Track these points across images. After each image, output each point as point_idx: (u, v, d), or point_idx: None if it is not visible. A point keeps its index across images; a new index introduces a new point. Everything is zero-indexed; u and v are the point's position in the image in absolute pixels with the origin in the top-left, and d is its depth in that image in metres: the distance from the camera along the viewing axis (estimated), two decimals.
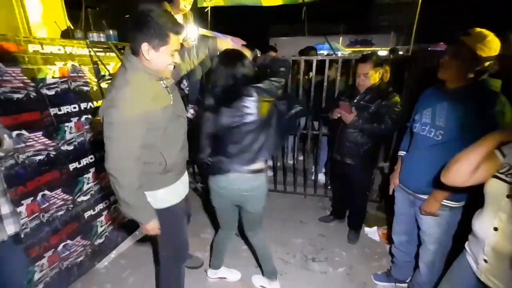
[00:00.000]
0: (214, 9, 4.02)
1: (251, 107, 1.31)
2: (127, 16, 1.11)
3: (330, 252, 2.22)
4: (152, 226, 1.29)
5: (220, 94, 1.35)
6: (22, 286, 1.48)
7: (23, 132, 1.52)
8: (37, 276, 1.67)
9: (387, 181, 1.78)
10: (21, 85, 1.50)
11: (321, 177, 3.22)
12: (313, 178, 3.15)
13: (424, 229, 1.48)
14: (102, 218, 2.08)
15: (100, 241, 2.07)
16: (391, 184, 1.67)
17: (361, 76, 1.94)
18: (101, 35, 2.15)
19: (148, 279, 1.94)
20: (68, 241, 1.83)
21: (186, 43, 2.43)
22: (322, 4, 3.99)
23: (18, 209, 1.52)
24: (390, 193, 1.69)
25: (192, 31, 2.55)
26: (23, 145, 1.52)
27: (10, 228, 1.20)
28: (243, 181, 1.44)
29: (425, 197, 1.39)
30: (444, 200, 1.32)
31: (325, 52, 8.06)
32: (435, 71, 1.34)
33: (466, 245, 1.08)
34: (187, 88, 2.66)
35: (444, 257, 1.50)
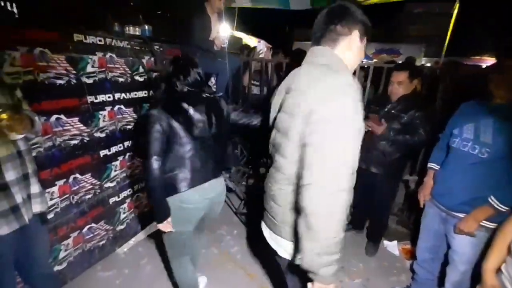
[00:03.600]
0: (240, 10, 4.07)
1: None
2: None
3: (347, 262, 2.17)
4: None
5: None
6: (46, 263, 1.56)
7: (62, 116, 1.60)
8: (62, 254, 1.75)
9: (412, 195, 1.72)
10: (64, 72, 1.58)
11: None
12: None
13: (456, 249, 1.42)
14: (125, 205, 2.15)
15: (121, 227, 2.14)
16: (421, 198, 1.61)
17: (395, 84, 1.89)
18: (137, 28, 2.24)
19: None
20: (93, 224, 1.90)
21: (217, 41, 2.47)
22: None
23: (51, 189, 1.60)
24: (422, 206, 1.63)
25: (225, 30, 2.59)
26: (60, 128, 1.60)
27: (36, 207, 1.27)
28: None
29: (461, 215, 1.33)
30: (483, 221, 1.26)
31: None
32: (469, 84, 1.29)
33: (502, 267, 1.04)
34: (215, 86, 2.71)
35: (471, 278, 1.43)
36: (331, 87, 0.78)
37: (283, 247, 0.99)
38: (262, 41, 4.07)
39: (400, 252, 2.32)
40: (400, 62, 2.01)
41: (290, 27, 14.00)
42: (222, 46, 2.53)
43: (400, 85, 1.88)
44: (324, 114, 0.76)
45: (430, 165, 1.62)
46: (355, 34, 0.89)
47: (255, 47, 3.11)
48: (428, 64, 10.57)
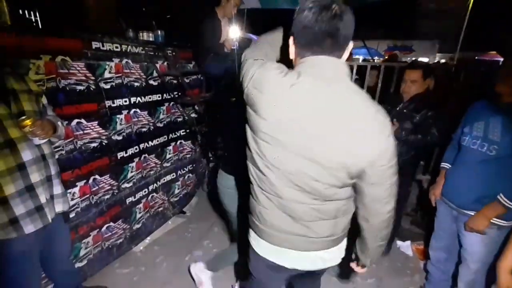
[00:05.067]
0: (248, 10, 4.10)
1: None
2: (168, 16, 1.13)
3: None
4: None
5: None
6: (68, 260, 1.65)
7: (82, 120, 1.68)
8: (82, 252, 1.83)
9: (425, 195, 1.71)
10: (84, 78, 1.66)
11: None
12: None
13: (467, 247, 1.41)
14: (141, 205, 2.23)
15: (137, 226, 2.21)
16: (432, 196, 1.60)
17: (408, 83, 1.86)
18: (150, 34, 2.31)
19: (179, 267, 2.04)
20: (111, 223, 1.98)
21: (227, 44, 2.52)
22: (360, 7, 3.90)
23: (72, 190, 1.68)
24: (433, 205, 1.62)
25: (235, 32, 2.63)
26: (81, 132, 1.68)
27: (59, 207, 1.35)
28: None
29: (472, 213, 1.32)
30: (494, 218, 1.25)
31: (360, 58, 7.82)
32: (484, 81, 1.28)
33: None
34: None
35: (485, 277, 1.41)
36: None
37: (320, 258, 0.97)
38: None
39: (414, 252, 2.29)
40: (414, 59, 1.99)
41: None
42: (232, 48, 2.58)
43: (413, 84, 1.86)
44: None
45: (442, 164, 1.60)
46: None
47: None
48: (443, 60, 10.34)
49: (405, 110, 1.91)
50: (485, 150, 1.28)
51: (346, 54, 0.78)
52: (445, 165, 1.58)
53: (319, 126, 0.74)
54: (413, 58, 10.56)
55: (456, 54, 2.66)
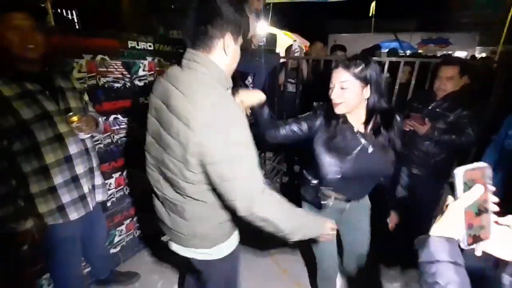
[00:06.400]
0: (274, 5, 4.06)
1: None
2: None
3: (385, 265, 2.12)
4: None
5: None
6: (104, 246, 1.79)
7: (119, 116, 1.79)
8: (116, 239, 1.96)
9: None
10: (120, 76, 1.76)
11: None
12: None
13: None
14: None
15: None
16: None
17: (443, 80, 1.76)
18: (180, 32, 2.38)
19: None
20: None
21: (255, 40, 2.53)
22: None
23: (108, 181, 1.81)
24: None
25: (262, 28, 2.64)
26: (117, 127, 1.79)
27: (99, 197, 1.46)
28: None
29: None
30: None
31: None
32: None
33: None
34: (251, 85, 2.78)
35: None
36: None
37: None
38: (298, 40, 4.04)
39: None
40: (449, 53, 1.87)
41: (325, 19, 13.54)
42: (260, 44, 2.58)
43: (448, 81, 1.75)
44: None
45: None
46: (228, 36, 0.86)
47: (291, 45, 3.11)
48: (483, 54, 9.56)
49: (438, 109, 1.81)
50: None
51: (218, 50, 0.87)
52: None
53: None
54: (449, 52, 9.89)
55: (498, 48, 2.47)
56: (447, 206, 0.57)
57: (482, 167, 0.55)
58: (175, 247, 1.08)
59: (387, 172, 1.25)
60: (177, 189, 0.93)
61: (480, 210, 0.55)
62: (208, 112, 0.79)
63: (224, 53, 0.88)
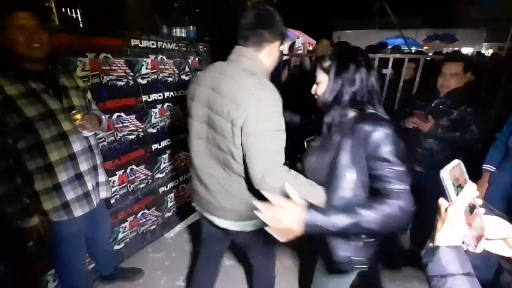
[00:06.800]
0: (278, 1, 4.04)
1: None
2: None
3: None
4: None
5: None
6: (108, 242, 1.81)
7: (122, 114, 1.80)
8: (120, 236, 1.99)
9: None
10: (123, 74, 1.77)
11: None
12: None
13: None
14: (172, 194, 2.35)
15: (169, 214, 2.35)
16: None
17: (447, 76, 1.74)
18: (183, 30, 2.38)
19: None
20: (146, 210, 2.12)
21: None
22: None
23: (112, 178, 1.83)
24: None
25: None
26: (121, 125, 1.81)
27: (103, 194, 1.48)
28: None
29: None
30: None
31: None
32: None
33: None
34: None
35: None
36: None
37: None
38: (301, 37, 4.02)
39: None
40: (456, 49, 1.84)
41: (329, 16, 13.44)
42: None
43: (452, 78, 1.73)
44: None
45: (485, 166, 1.50)
46: (277, 43, 1.06)
47: (294, 42, 3.10)
48: (490, 50, 9.40)
49: (441, 106, 1.79)
50: None
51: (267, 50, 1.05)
52: (488, 167, 1.48)
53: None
54: (456, 49, 9.74)
55: (506, 43, 2.43)
56: (446, 210, 0.55)
57: (457, 164, 0.55)
58: (217, 221, 1.18)
59: (316, 177, 1.00)
60: (225, 167, 1.06)
61: (471, 208, 0.55)
62: (255, 93, 0.94)
63: (269, 55, 1.06)
